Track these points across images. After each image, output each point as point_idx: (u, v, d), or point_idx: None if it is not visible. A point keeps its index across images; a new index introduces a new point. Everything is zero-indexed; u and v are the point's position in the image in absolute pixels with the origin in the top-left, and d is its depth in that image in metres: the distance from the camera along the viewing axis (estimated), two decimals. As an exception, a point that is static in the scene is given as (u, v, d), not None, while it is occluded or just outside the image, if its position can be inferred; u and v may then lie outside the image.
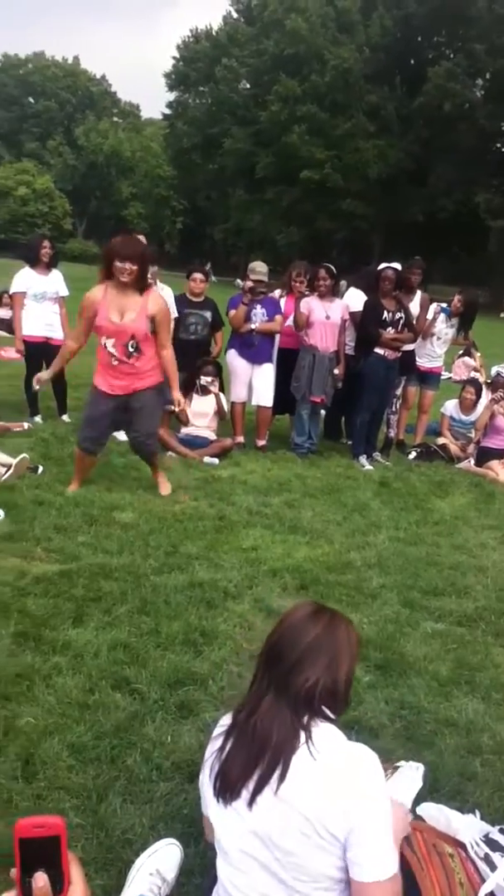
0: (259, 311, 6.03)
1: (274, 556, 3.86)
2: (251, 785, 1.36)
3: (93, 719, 2.32)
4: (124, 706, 2.42)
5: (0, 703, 2.37)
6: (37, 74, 64.51)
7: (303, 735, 1.37)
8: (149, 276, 4.49)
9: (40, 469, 4.86)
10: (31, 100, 64.53)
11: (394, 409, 6.60)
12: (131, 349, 4.33)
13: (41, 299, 6.28)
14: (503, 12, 36.42)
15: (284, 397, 6.25)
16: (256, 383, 6.21)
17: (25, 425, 6.05)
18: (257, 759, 1.37)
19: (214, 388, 6.13)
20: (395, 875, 1.32)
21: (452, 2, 37.92)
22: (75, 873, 0.82)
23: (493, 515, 5.11)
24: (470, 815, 1.91)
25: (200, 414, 6.08)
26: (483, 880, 1.61)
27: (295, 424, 6.33)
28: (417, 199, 40.76)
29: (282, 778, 1.34)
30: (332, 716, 1.44)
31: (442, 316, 6.54)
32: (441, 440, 6.85)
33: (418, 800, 1.98)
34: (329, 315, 5.94)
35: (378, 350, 5.91)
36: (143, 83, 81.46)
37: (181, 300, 6.17)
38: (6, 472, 4.59)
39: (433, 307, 6.55)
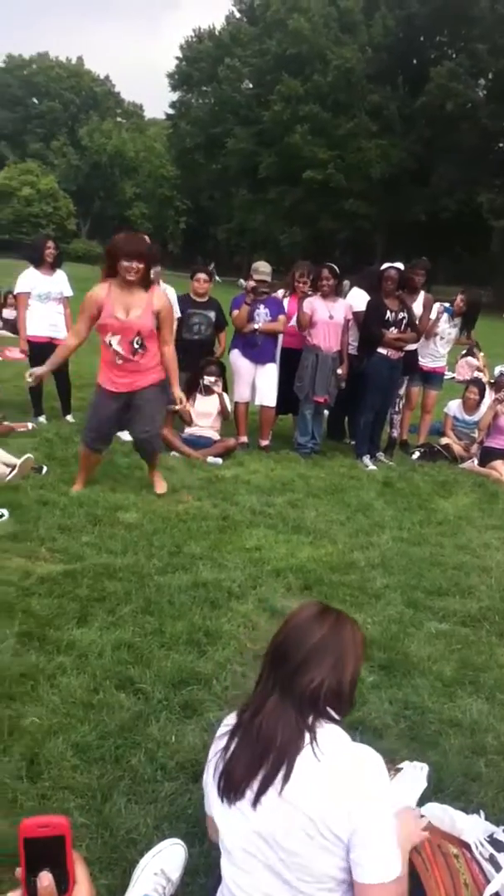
0: (262, 311, 6.03)
1: (277, 556, 3.86)
2: (255, 785, 1.36)
3: (97, 719, 2.32)
4: (128, 706, 2.42)
5: (5, 702, 2.37)
6: (41, 75, 64.65)
7: (307, 736, 1.37)
8: (151, 275, 4.50)
9: (44, 469, 4.87)
10: (35, 100, 64.71)
11: (397, 409, 6.60)
12: (136, 346, 4.33)
13: (45, 300, 6.29)
14: (506, 12, 36.41)
15: (288, 397, 6.24)
16: (260, 383, 6.21)
17: (30, 425, 6.06)
18: (262, 760, 1.37)
19: (218, 388, 6.14)
20: (398, 878, 1.31)
21: (455, 2, 37.89)
22: (80, 873, 0.82)
23: (497, 515, 5.10)
24: (474, 815, 1.91)
25: (204, 414, 6.09)
26: (488, 881, 1.60)
27: (298, 424, 6.32)
28: (420, 199, 40.75)
29: (286, 778, 1.34)
30: (336, 717, 1.44)
31: (445, 316, 6.54)
32: (444, 440, 6.84)
33: (422, 800, 1.97)
34: (332, 315, 5.94)
35: (381, 350, 5.91)
36: (147, 83, 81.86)
37: (185, 300, 6.17)
38: (11, 472, 4.60)
39: (436, 307, 6.54)
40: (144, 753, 2.19)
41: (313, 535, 4.29)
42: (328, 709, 1.42)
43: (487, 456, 6.34)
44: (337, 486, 5.34)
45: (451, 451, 6.65)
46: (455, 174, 38.63)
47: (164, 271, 6.22)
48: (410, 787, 2.00)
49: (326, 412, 6.58)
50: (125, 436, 5.23)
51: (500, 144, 41.24)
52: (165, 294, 4.74)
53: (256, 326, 6.03)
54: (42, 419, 6.38)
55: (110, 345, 4.33)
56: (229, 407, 6.21)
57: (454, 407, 7.01)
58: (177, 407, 4.77)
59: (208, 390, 6.10)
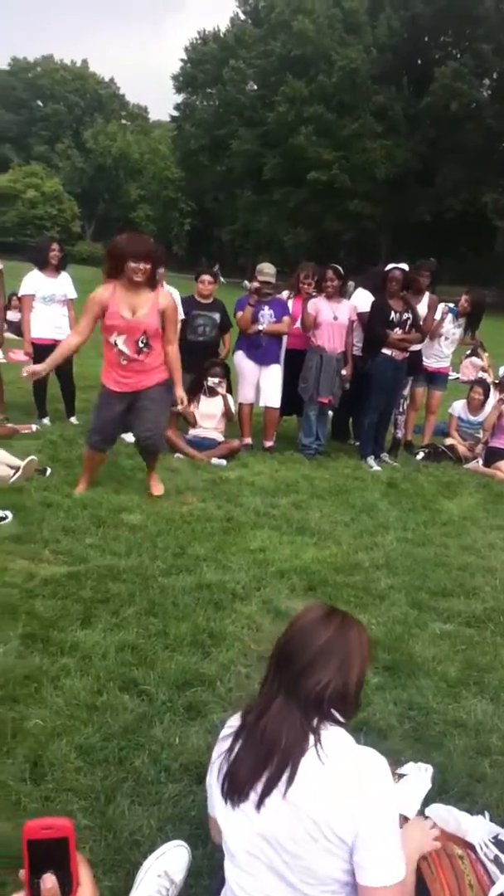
0: (266, 313, 6.03)
1: (282, 558, 3.86)
2: (259, 787, 1.36)
3: (101, 721, 2.32)
4: (132, 708, 2.42)
5: (8, 704, 2.37)
6: (45, 78, 64.78)
7: (312, 738, 1.36)
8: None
9: (48, 471, 4.87)
10: (40, 103, 64.82)
11: (401, 409, 6.60)
12: (141, 345, 4.33)
13: (50, 302, 6.30)
14: (510, 12, 36.39)
15: (292, 398, 6.25)
16: (264, 384, 6.21)
17: (34, 427, 6.07)
18: (266, 762, 1.37)
19: (222, 390, 6.14)
20: (402, 881, 1.30)
21: (459, 2, 37.83)
22: (84, 875, 0.82)
23: (502, 516, 5.08)
24: (479, 816, 1.90)
25: (208, 415, 6.09)
26: (493, 882, 1.60)
27: (302, 425, 6.32)
28: (424, 200, 40.67)
29: (290, 781, 1.33)
30: (341, 719, 1.43)
31: (449, 316, 6.53)
32: (449, 441, 6.83)
33: (427, 801, 1.97)
34: (337, 316, 5.94)
35: (385, 351, 5.90)
36: (151, 85, 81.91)
37: (190, 301, 6.18)
38: (14, 474, 4.61)
39: (441, 307, 6.54)
40: (148, 755, 2.19)
41: (317, 536, 4.28)
42: (333, 711, 1.42)
43: (492, 456, 6.33)
44: (341, 487, 5.34)
45: (456, 451, 6.64)
46: (460, 174, 38.58)
47: (169, 273, 6.21)
48: (415, 789, 1.99)
49: (331, 413, 6.58)
50: (129, 437, 5.23)
51: (505, 144, 41.21)
52: (170, 294, 4.74)
53: (261, 328, 6.03)
54: (46, 421, 6.39)
55: (115, 345, 4.32)
56: (233, 408, 6.21)
57: (459, 407, 7.00)
58: (178, 408, 4.77)
59: (212, 391, 6.11)
